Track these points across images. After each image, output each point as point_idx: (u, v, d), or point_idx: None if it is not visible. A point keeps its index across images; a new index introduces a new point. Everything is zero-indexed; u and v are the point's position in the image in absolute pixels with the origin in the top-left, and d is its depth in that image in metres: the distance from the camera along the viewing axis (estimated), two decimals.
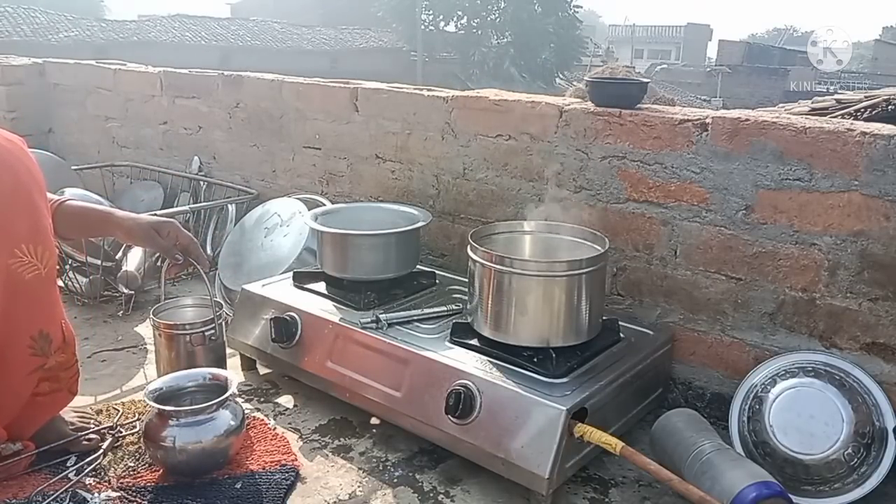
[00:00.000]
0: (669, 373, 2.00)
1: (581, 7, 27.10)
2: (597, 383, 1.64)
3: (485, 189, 2.31)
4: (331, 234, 2.07)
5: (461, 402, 1.59)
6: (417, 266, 2.18)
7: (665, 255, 1.99)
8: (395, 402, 1.75)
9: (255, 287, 2.15)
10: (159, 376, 1.89)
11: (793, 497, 1.49)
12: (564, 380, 1.62)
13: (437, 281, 2.19)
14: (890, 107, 3.58)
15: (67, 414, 1.76)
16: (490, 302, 1.72)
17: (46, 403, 1.63)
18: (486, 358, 1.71)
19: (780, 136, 1.76)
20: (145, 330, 2.45)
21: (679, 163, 1.91)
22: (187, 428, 1.58)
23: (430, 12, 25.78)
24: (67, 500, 1.52)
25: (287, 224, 2.54)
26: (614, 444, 1.50)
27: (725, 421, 1.79)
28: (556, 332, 1.70)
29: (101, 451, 1.69)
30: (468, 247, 1.77)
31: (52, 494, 1.53)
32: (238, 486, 1.60)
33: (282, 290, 2.12)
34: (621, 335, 1.86)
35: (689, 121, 1.89)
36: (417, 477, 1.69)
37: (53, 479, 1.58)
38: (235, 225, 2.80)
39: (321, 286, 2.11)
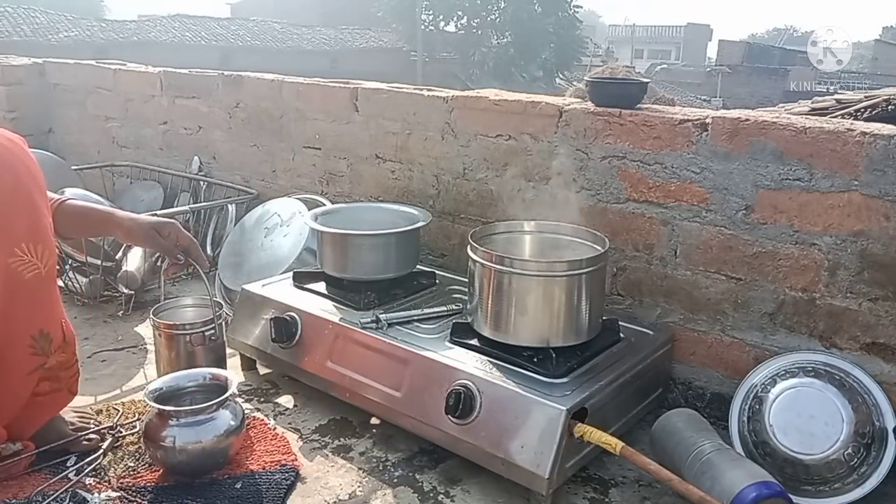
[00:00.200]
0: (669, 373, 2.00)
1: (581, 7, 27.11)
2: (597, 383, 1.64)
3: (485, 189, 2.31)
4: (331, 234, 2.07)
5: (461, 402, 1.59)
6: (417, 266, 2.18)
7: (665, 255, 1.99)
8: (395, 402, 1.75)
9: (255, 287, 2.15)
10: (159, 376, 1.89)
11: (793, 497, 1.49)
12: (564, 380, 1.62)
13: (437, 281, 2.19)
14: (890, 107, 3.58)
15: (67, 414, 1.76)
16: (490, 302, 1.72)
17: (46, 403, 1.63)
18: (486, 358, 1.71)
19: (780, 136, 1.76)
20: (145, 330, 2.45)
21: (679, 163, 1.91)
22: (187, 428, 1.58)
23: (430, 12, 25.78)
24: (67, 500, 1.52)
25: (287, 224, 2.54)
26: (614, 444, 1.50)
27: (725, 421, 1.79)
28: (556, 332, 1.70)
29: (101, 451, 1.69)
30: (468, 247, 1.77)
31: (52, 494, 1.53)
32: (238, 486, 1.60)
33: (282, 290, 2.12)
34: (621, 335, 1.86)
35: (689, 121, 1.89)
36: (417, 477, 1.69)
37: (53, 479, 1.58)
38: (235, 225, 2.80)
39: (321, 286, 2.11)
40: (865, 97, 3.95)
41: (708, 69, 25.96)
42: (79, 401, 1.80)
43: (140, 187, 3.38)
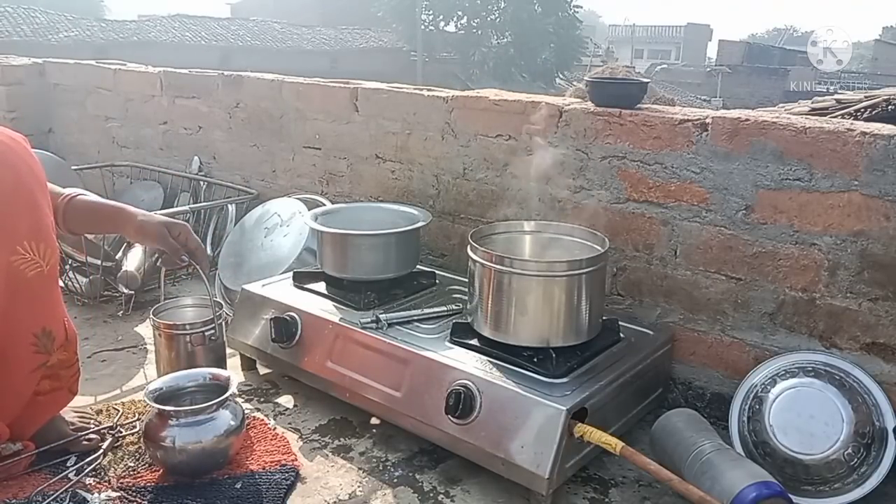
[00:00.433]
0: (669, 373, 2.00)
1: (581, 7, 27.10)
2: (597, 383, 1.64)
3: (485, 189, 2.31)
4: (331, 234, 2.07)
5: (461, 402, 1.59)
6: (417, 266, 2.18)
7: (665, 255, 1.99)
8: (395, 402, 1.75)
9: (255, 287, 2.15)
10: (159, 376, 1.89)
11: (793, 497, 1.49)
12: (564, 380, 1.62)
13: (437, 281, 2.19)
14: (890, 107, 3.58)
15: (67, 414, 1.76)
16: (490, 302, 1.72)
17: (47, 403, 1.63)
18: (486, 358, 1.71)
19: (780, 136, 1.76)
20: (145, 330, 2.45)
21: (679, 163, 1.91)
22: (187, 428, 1.58)
23: (430, 12, 25.78)
24: (67, 500, 1.52)
25: (287, 224, 2.54)
26: (614, 444, 1.50)
27: (725, 421, 1.79)
28: (556, 332, 1.70)
29: (101, 451, 1.69)
30: (468, 247, 1.77)
31: (52, 494, 1.53)
32: (238, 486, 1.60)
33: (282, 290, 2.12)
34: (621, 335, 1.86)
35: (689, 121, 1.89)
36: (417, 477, 1.69)
37: (53, 479, 1.58)
38: (235, 225, 2.80)
39: (321, 286, 2.11)
40: (865, 97, 3.96)
41: (708, 69, 25.98)
42: (79, 401, 1.80)
43: (140, 187, 3.38)
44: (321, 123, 2.75)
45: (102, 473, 1.63)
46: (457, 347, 1.77)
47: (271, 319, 1.97)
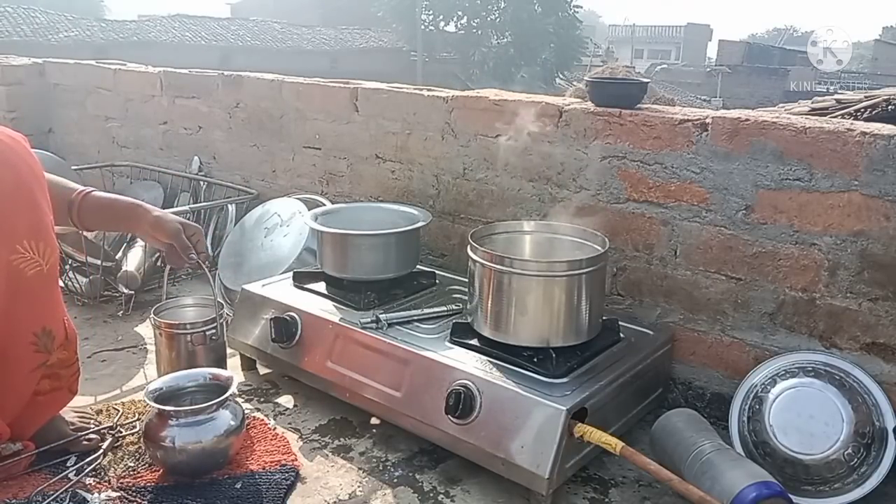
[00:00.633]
0: (669, 373, 2.00)
1: (581, 7, 27.12)
2: (597, 383, 1.64)
3: (485, 189, 2.31)
4: (331, 234, 2.07)
5: (461, 402, 1.59)
6: (417, 266, 2.18)
7: (665, 255, 1.99)
8: (395, 402, 1.75)
9: (255, 287, 2.15)
10: (160, 376, 1.89)
11: (793, 497, 1.48)
12: (564, 380, 1.62)
13: (437, 281, 2.19)
14: (890, 107, 3.58)
15: (67, 414, 1.76)
16: (490, 302, 1.72)
17: (47, 402, 1.63)
18: (486, 358, 1.71)
19: (780, 136, 1.76)
20: (145, 330, 2.45)
21: (679, 163, 1.91)
22: (187, 428, 1.58)
23: (430, 12, 25.79)
24: (67, 500, 1.52)
25: (287, 224, 2.54)
26: (614, 444, 1.50)
27: (725, 421, 1.79)
28: (556, 332, 1.70)
29: (101, 451, 1.69)
30: (468, 247, 1.77)
31: (52, 494, 1.53)
32: (238, 486, 1.60)
33: (282, 290, 2.12)
34: (621, 335, 1.86)
35: (689, 121, 1.89)
36: (417, 477, 1.69)
37: (53, 479, 1.58)
38: (235, 225, 2.80)
39: (321, 286, 2.11)
40: (865, 97, 3.96)
41: (708, 69, 26.00)
42: (79, 401, 1.80)
43: (140, 187, 3.38)
44: (321, 123, 2.75)
45: (102, 473, 1.63)
46: (457, 347, 1.77)
47: (271, 319, 1.97)
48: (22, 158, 1.49)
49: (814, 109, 4.16)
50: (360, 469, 1.71)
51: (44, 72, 3.82)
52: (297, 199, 2.66)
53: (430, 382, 1.69)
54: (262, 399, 2.02)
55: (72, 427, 1.74)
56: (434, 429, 1.67)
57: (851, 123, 1.75)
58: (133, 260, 2.62)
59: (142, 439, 1.66)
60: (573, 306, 1.69)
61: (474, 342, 1.76)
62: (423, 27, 24.93)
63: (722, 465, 1.52)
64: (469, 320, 1.82)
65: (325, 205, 2.50)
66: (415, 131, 2.46)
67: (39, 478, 1.59)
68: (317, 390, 1.96)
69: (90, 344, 2.34)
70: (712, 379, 1.96)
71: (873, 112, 3.61)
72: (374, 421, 1.89)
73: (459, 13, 26.13)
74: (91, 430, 1.74)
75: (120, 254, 2.66)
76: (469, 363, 1.69)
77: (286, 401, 2.01)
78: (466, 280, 1.82)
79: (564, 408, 1.51)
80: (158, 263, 2.71)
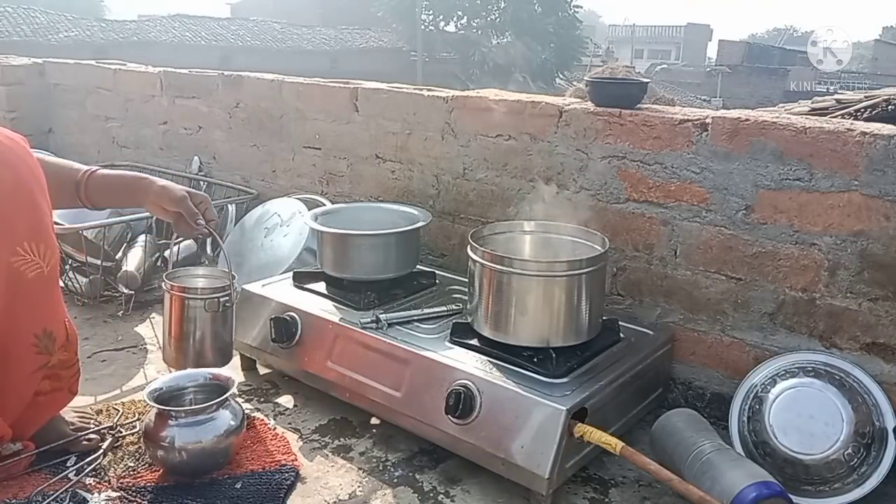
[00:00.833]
0: (669, 373, 2.00)
1: (581, 7, 27.13)
2: (597, 383, 1.64)
3: (485, 189, 2.31)
4: (331, 234, 2.07)
5: (461, 402, 1.59)
6: (417, 266, 2.18)
7: (665, 255, 1.99)
8: (395, 402, 1.75)
9: (255, 287, 2.15)
10: (165, 348, 1.87)
11: (793, 497, 1.48)
12: (564, 380, 1.62)
13: (437, 281, 2.19)
14: (890, 107, 3.58)
15: (67, 414, 1.76)
16: (490, 302, 1.72)
17: (47, 403, 1.63)
18: (486, 358, 1.71)
19: (780, 136, 1.76)
20: (145, 330, 2.45)
21: (679, 163, 1.91)
22: (187, 428, 1.58)
23: (430, 12, 25.80)
24: (67, 500, 1.52)
25: (287, 224, 2.54)
26: (614, 444, 1.50)
27: (725, 421, 1.79)
28: (556, 332, 1.70)
29: (101, 451, 1.69)
30: (468, 247, 1.77)
31: (52, 494, 1.53)
32: (238, 486, 1.60)
33: (282, 290, 2.12)
34: (621, 335, 1.86)
35: (689, 121, 1.89)
36: (417, 477, 1.69)
37: (53, 479, 1.58)
38: (235, 225, 2.80)
39: (321, 286, 2.11)
40: (865, 97, 3.96)
41: (708, 69, 26.00)
42: (79, 401, 1.80)
43: None
44: (321, 123, 2.75)
45: (102, 473, 1.63)
46: (457, 347, 1.77)
47: (271, 319, 1.97)
48: (22, 159, 1.49)
49: (814, 109, 4.16)
50: (360, 469, 1.71)
51: (44, 72, 3.82)
52: (297, 199, 2.66)
53: (430, 382, 1.69)
54: (262, 399, 2.02)
55: (72, 427, 1.73)
56: (434, 429, 1.67)
57: (851, 123, 1.75)
58: (133, 260, 2.62)
59: (142, 439, 1.66)
60: (573, 306, 1.69)
61: (474, 342, 1.76)
62: (422, 27, 24.93)
63: (722, 465, 1.52)
64: (469, 320, 1.82)
65: (325, 205, 2.50)
66: (415, 131, 2.46)
67: (39, 478, 1.59)
68: (317, 390, 1.96)
69: (90, 344, 2.34)
70: (712, 379, 1.96)
71: (873, 112, 3.61)
72: (374, 421, 1.89)
73: (459, 13, 26.13)
74: (91, 430, 1.74)
75: (120, 254, 2.66)
76: (469, 363, 1.69)
77: (286, 401, 2.01)
78: (466, 280, 1.82)
79: (564, 408, 1.51)
80: (158, 263, 2.71)
